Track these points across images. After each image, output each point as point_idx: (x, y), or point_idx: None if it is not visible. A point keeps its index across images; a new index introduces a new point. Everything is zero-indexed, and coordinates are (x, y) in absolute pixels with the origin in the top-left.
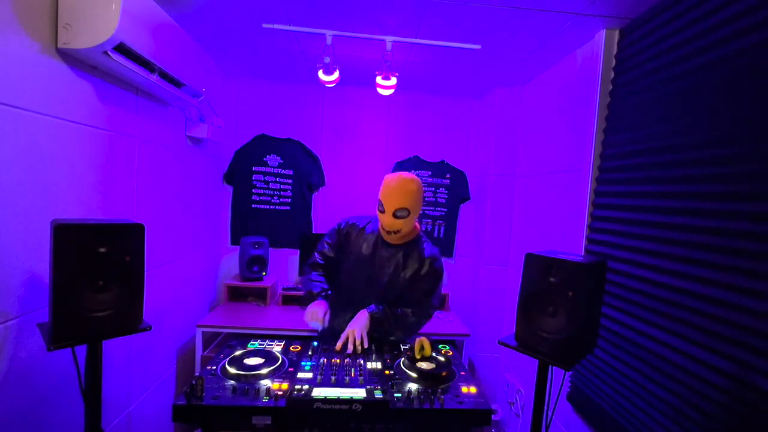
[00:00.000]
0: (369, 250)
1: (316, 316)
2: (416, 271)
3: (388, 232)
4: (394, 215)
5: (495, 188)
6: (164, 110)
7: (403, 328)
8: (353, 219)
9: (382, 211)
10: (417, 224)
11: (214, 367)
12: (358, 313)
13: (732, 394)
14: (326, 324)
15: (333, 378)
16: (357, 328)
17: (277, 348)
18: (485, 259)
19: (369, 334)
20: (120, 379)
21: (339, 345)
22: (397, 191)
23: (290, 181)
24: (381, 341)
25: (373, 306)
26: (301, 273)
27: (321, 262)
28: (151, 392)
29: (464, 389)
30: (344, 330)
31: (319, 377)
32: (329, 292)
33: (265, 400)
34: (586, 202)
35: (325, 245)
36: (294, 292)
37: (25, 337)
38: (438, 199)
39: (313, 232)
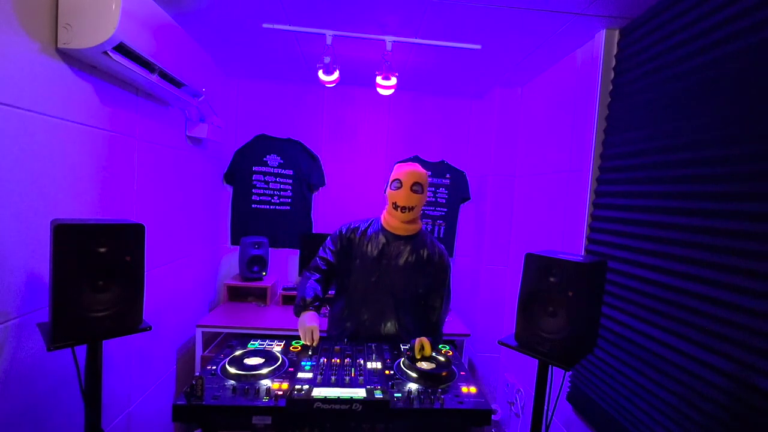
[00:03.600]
0: (376, 250)
1: (311, 337)
2: (428, 263)
3: (403, 209)
4: (412, 189)
5: (495, 188)
6: (164, 110)
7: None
8: (355, 223)
9: (399, 187)
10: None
11: (214, 367)
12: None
13: (732, 394)
14: (316, 343)
15: (333, 378)
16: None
17: (277, 348)
18: (485, 259)
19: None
20: (120, 379)
21: (418, 354)
22: (413, 169)
23: (290, 181)
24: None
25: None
26: (300, 273)
27: (323, 267)
28: (151, 392)
29: (464, 389)
30: (360, 330)
31: (319, 377)
32: (317, 303)
33: (265, 400)
34: (586, 202)
35: (328, 251)
36: (294, 292)
37: (25, 337)
38: (438, 199)
39: (313, 232)
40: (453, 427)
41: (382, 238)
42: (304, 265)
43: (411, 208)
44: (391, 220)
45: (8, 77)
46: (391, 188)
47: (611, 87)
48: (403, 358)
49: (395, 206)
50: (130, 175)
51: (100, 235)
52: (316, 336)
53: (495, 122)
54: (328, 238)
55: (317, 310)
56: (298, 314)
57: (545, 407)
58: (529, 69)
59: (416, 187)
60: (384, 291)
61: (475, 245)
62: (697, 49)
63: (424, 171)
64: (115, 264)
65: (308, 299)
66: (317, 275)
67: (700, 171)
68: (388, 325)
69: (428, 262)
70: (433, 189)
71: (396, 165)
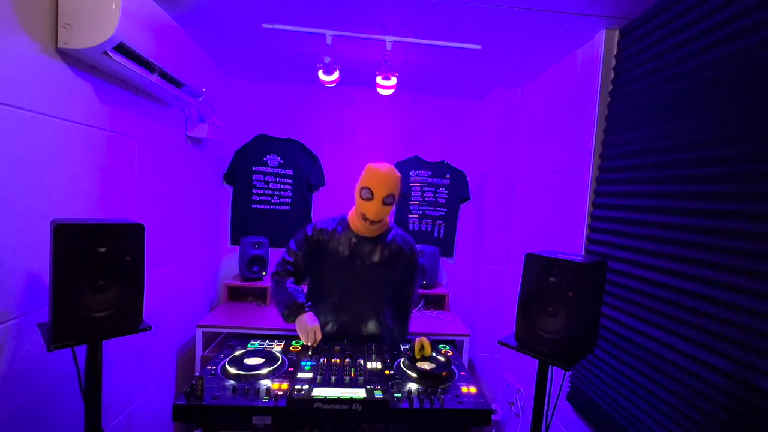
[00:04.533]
0: (347, 250)
1: (314, 338)
2: (400, 256)
3: (372, 222)
4: (384, 202)
5: (495, 188)
6: (164, 110)
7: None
8: (321, 224)
9: (369, 198)
10: None
11: (214, 367)
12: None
13: (732, 394)
14: (317, 343)
15: (333, 378)
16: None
17: (277, 348)
18: (485, 259)
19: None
20: (120, 379)
21: (418, 354)
22: (387, 178)
23: (290, 181)
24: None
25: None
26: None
27: (293, 270)
28: (151, 392)
29: (464, 389)
30: (341, 332)
31: (319, 377)
32: (309, 304)
33: (265, 400)
34: (586, 202)
35: (296, 256)
36: None
37: (25, 337)
38: (438, 199)
39: None
40: (453, 427)
41: (352, 238)
42: (274, 274)
43: (380, 220)
44: (359, 225)
45: (8, 77)
46: (361, 196)
47: (611, 87)
48: (403, 358)
49: (364, 217)
50: (130, 175)
51: (100, 235)
52: (319, 336)
53: (495, 122)
54: (292, 240)
55: (312, 309)
56: (291, 319)
57: (545, 407)
58: (529, 69)
59: (389, 200)
60: (362, 291)
61: (475, 245)
62: (697, 49)
63: (397, 174)
64: (115, 264)
65: (300, 302)
66: (292, 278)
67: (700, 171)
68: (370, 325)
69: (400, 255)
70: (433, 189)
71: (367, 166)
